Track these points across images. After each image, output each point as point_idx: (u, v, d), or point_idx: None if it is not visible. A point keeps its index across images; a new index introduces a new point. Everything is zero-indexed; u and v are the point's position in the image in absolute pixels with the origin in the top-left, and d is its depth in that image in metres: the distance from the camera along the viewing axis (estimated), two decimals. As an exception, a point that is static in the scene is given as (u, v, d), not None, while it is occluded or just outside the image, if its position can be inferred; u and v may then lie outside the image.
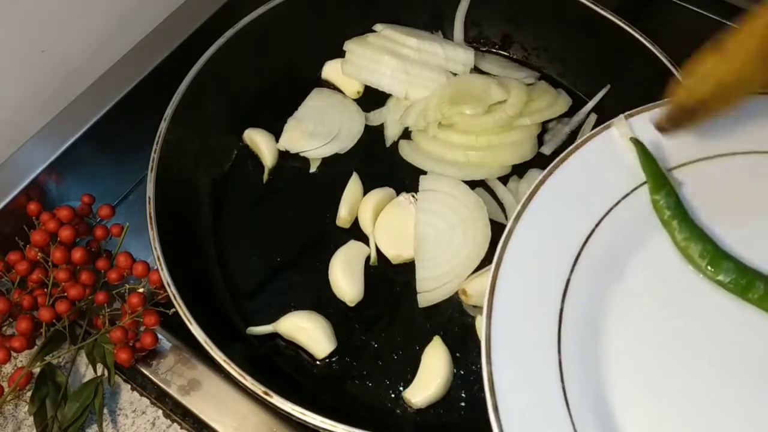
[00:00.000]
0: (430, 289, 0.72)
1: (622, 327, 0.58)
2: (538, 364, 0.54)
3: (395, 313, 0.72)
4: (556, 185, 0.61)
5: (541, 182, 0.61)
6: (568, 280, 0.58)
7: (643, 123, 0.63)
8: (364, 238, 0.76)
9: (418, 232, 0.74)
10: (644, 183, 0.61)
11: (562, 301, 0.57)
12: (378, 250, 0.75)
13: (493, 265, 0.57)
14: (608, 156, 0.62)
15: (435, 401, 0.67)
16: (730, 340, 0.57)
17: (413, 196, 0.77)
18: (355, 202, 0.77)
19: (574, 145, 0.63)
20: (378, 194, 0.77)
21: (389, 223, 0.76)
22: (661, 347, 0.57)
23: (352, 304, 0.72)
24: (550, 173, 0.61)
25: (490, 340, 0.54)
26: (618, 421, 0.54)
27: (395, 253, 0.74)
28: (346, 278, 0.72)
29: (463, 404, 0.68)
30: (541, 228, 0.59)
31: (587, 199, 0.61)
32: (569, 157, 0.62)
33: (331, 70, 0.89)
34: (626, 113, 0.64)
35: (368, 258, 0.75)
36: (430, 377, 0.67)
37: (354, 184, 0.78)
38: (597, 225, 0.60)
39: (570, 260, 0.59)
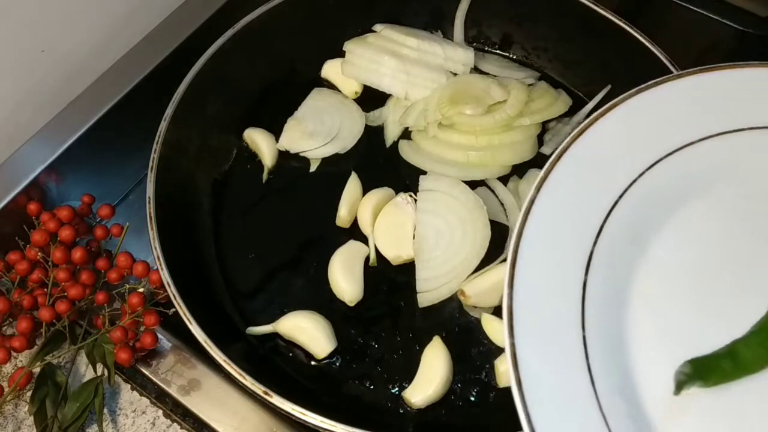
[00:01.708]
0: (430, 290, 0.72)
1: (645, 304, 0.57)
2: (561, 339, 0.53)
3: (395, 313, 0.72)
4: (577, 156, 0.59)
5: (563, 151, 0.59)
6: (591, 254, 0.57)
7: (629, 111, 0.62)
8: (364, 238, 0.76)
9: (417, 232, 0.74)
10: (667, 155, 0.60)
11: (586, 274, 0.56)
12: (378, 251, 0.75)
13: (514, 236, 0.56)
14: (631, 127, 0.61)
15: (435, 401, 0.67)
16: (757, 311, 0.56)
17: (411, 196, 0.77)
18: (354, 201, 0.77)
19: (597, 112, 0.61)
20: (377, 194, 0.77)
21: (388, 224, 0.76)
22: (685, 326, 0.56)
23: (352, 304, 0.72)
24: (572, 142, 0.60)
25: (512, 313, 0.53)
26: (643, 398, 0.54)
27: (395, 253, 0.74)
28: (345, 278, 0.72)
29: (463, 404, 0.68)
30: (563, 199, 0.58)
31: (610, 171, 0.60)
32: (591, 126, 0.60)
33: (330, 69, 0.89)
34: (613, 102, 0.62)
35: (368, 258, 0.75)
36: (430, 377, 0.67)
37: (353, 183, 0.78)
38: (620, 197, 0.59)
39: (593, 233, 0.57)
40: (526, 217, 0.57)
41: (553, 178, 0.58)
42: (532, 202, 0.57)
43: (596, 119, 0.61)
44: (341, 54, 0.88)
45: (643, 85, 0.63)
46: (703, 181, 0.61)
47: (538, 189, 0.58)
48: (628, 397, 0.53)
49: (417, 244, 0.74)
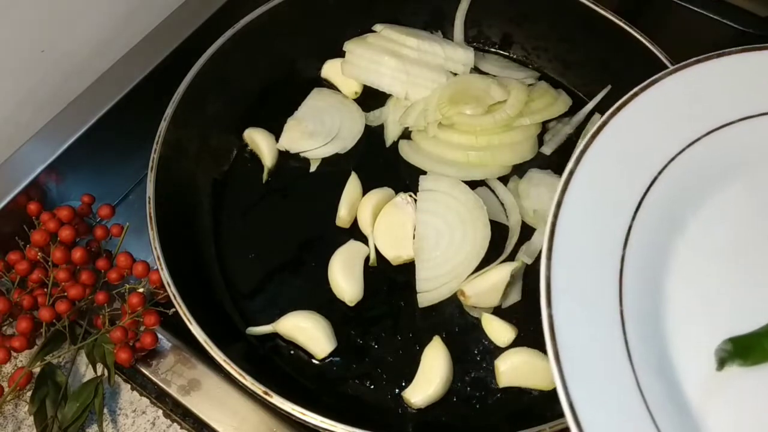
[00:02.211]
0: (429, 290, 0.72)
1: (684, 281, 0.57)
2: (599, 312, 0.53)
3: (395, 313, 0.72)
4: (616, 130, 0.59)
5: (602, 125, 0.58)
6: (630, 228, 0.56)
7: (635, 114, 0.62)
8: (364, 238, 0.76)
9: (417, 232, 0.74)
10: (705, 135, 0.60)
11: (624, 248, 0.55)
12: (377, 251, 0.75)
13: (552, 207, 0.55)
14: (670, 103, 0.61)
15: (435, 401, 0.67)
16: None
17: (411, 196, 0.77)
18: (354, 201, 0.77)
19: (637, 88, 0.60)
20: (377, 195, 0.77)
21: (388, 224, 0.76)
22: (724, 305, 0.56)
23: (352, 304, 0.72)
24: (611, 117, 0.59)
25: (550, 284, 0.52)
26: (681, 376, 0.53)
27: (395, 254, 0.74)
28: (345, 278, 0.72)
29: (463, 404, 0.67)
30: (601, 172, 0.57)
31: (649, 147, 0.59)
32: (631, 101, 0.60)
33: (330, 68, 0.89)
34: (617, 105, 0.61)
35: (368, 258, 0.75)
36: (430, 377, 0.67)
37: (353, 184, 0.78)
38: (659, 173, 0.58)
39: (631, 208, 0.57)
40: (565, 188, 0.56)
41: (592, 151, 0.58)
42: (571, 174, 0.56)
43: (636, 95, 0.60)
44: (341, 54, 0.88)
45: (684, 63, 0.62)
46: (742, 162, 0.61)
47: (577, 161, 0.57)
48: (665, 373, 0.53)
49: (417, 244, 0.74)
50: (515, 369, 0.68)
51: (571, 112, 0.85)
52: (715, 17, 0.90)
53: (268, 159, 0.81)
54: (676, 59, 0.76)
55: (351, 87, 0.87)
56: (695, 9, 0.91)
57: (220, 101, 0.81)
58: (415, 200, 0.76)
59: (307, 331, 0.69)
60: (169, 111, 0.74)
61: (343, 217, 0.77)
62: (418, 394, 0.66)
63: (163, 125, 0.73)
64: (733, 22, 0.90)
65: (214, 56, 0.78)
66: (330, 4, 0.86)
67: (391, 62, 0.84)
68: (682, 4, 0.92)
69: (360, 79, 0.86)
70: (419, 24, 0.91)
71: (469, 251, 0.73)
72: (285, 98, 0.86)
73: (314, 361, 0.70)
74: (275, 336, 0.71)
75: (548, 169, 0.80)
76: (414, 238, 0.74)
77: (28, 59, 0.77)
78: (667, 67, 0.75)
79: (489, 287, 0.71)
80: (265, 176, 0.81)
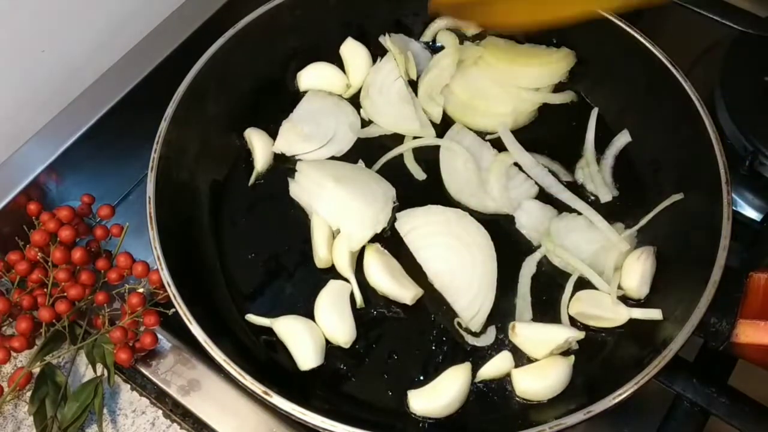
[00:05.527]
0: (474, 314, 0.71)
1: None
2: None
3: (395, 314, 0.72)
4: None
5: None
6: None
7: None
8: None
9: (429, 272, 0.73)
10: None
11: None
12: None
13: None
14: None
15: (434, 416, 0.66)
16: None
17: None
18: (328, 239, 0.74)
19: None
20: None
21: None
22: None
23: (347, 346, 0.70)
24: None
25: None
26: None
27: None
28: (334, 323, 0.69)
29: (463, 404, 0.67)
30: None
31: None
32: None
33: (308, 77, 0.86)
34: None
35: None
36: (441, 393, 0.66)
37: (318, 224, 0.75)
38: None
39: None
40: None
41: None
42: None
43: None
44: (339, 55, 0.87)
45: None
46: None
47: None
48: None
49: (438, 283, 0.73)
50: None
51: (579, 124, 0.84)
52: (715, 17, 0.91)
53: (259, 162, 0.80)
54: (676, 59, 0.76)
55: (339, 83, 0.86)
56: (695, 9, 0.91)
57: (220, 101, 0.81)
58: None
59: (298, 340, 0.68)
60: (169, 111, 0.74)
61: (324, 258, 0.74)
62: (421, 403, 0.66)
63: (163, 125, 0.73)
64: (733, 22, 0.90)
65: (214, 56, 0.78)
66: (330, 4, 0.86)
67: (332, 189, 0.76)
68: (682, 4, 0.92)
69: (301, 201, 0.79)
70: (419, 24, 0.90)
71: (484, 261, 0.72)
72: (286, 99, 0.85)
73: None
74: (275, 336, 0.71)
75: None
76: (430, 280, 0.73)
77: (28, 59, 0.77)
78: (667, 68, 0.75)
79: (540, 340, 0.68)
80: (252, 179, 0.81)
